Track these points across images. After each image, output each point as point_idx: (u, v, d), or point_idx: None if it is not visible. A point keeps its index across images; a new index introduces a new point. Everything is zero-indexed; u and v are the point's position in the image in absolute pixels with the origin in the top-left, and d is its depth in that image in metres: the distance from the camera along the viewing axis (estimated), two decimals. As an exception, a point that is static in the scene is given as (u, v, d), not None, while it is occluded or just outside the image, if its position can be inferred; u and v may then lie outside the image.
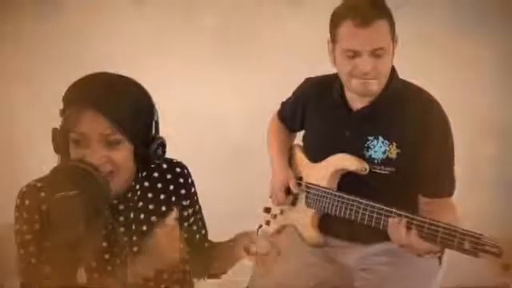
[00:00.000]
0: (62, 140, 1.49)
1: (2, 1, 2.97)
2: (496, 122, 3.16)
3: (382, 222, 1.80)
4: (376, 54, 1.83)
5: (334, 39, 1.90)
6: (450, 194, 1.92)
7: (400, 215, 1.75)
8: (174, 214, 1.50)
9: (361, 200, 1.86)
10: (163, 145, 1.57)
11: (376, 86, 1.89)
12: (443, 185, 1.91)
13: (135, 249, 1.58)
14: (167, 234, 1.46)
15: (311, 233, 2.05)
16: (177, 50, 3.03)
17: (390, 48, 1.86)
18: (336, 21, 1.87)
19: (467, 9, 3.03)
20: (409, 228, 1.72)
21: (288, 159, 2.19)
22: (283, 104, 2.27)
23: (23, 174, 1.60)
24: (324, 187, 1.99)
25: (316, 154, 2.06)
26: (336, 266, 2.07)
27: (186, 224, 1.71)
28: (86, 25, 2.95)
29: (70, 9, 2.96)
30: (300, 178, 2.11)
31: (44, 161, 1.53)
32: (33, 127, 2.75)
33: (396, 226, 1.73)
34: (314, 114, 2.10)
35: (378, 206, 1.81)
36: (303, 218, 2.07)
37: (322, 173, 2.01)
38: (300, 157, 2.16)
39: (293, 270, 2.04)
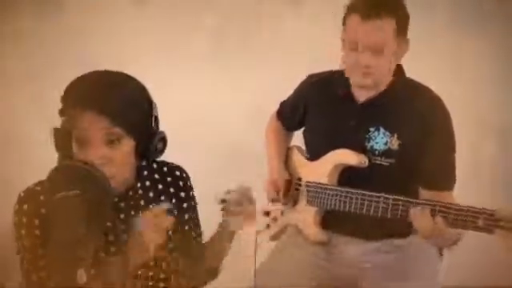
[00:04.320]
0: (63, 139, 1.49)
1: (2, 1, 2.97)
2: (496, 122, 3.16)
3: (388, 212, 1.81)
4: (374, 49, 1.85)
5: (344, 32, 1.93)
6: (450, 188, 1.93)
7: (398, 200, 1.78)
8: (166, 205, 1.50)
9: (363, 192, 1.87)
10: (164, 139, 1.58)
11: (370, 81, 1.91)
12: (443, 179, 1.93)
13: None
14: (151, 221, 1.46)
15: (314, 230, 2.04)
16: (177, 50, 3.03)
17: (391, 47, 1.87)
18: (347, 13, 1.91)
19: (468, 8, 3.03)
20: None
21: (285, 160, 2.19)
22: (282, 103, 2.27)
23: (23, 174, 1.59)
24: (325, 184, 1.99)
25: (318, 148, 2.05)
26: (338, 265, 2.06)
27: (186, 227, 1.71)
28: (85, 25, 2.96)
29: (70, 9, 2.96)
30: (299, 179, 2.11)
31: (44, 161, 1.53)
32: (33, 127, 2.75)
33: (420, 214, 1.73)
34: (317, 109, 2.10)
35: (381, 195, 1.83)
36: (305, 216, 2.06)
37: (321, 170, 2.01)
38: (297, 158, 2.16)
39: (295, 271, 2.04)
